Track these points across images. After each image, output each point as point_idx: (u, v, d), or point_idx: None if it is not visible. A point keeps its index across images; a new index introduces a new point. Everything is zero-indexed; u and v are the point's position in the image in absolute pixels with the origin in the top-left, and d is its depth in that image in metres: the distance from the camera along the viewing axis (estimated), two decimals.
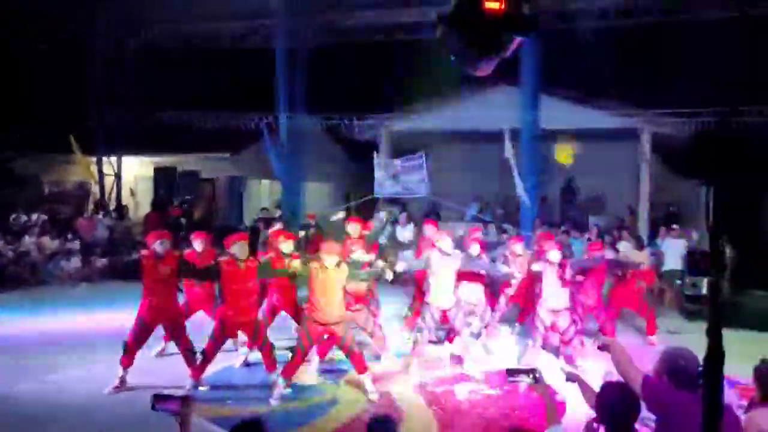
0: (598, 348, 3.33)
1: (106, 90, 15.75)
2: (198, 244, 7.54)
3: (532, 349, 7.35)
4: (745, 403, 4.04)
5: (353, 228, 8.06)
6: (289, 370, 6.19)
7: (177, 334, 6.54)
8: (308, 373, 6.76)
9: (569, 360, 7.01)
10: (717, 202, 2.05)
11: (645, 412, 3.03)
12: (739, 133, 12.95)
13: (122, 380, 6.28)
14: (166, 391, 3.03)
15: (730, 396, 4.47)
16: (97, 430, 5.46)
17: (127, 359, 6.32)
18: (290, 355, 6.30)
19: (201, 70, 15.92)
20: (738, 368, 4.11)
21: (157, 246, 6.37)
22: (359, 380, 6.37)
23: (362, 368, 6.27)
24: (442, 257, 7.10)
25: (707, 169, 2.07)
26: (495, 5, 1.87)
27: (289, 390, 6.20)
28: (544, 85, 12.02)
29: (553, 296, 7.22)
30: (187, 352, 6.47)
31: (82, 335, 8.42)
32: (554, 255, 7.25)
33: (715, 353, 1.99)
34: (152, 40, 15.27)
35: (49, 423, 5.55)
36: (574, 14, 12.03)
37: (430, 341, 7.35)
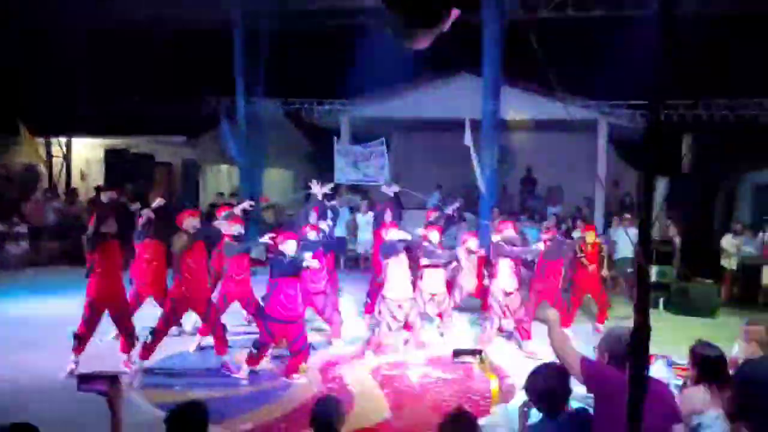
0: (538, 319, 3.36)
1: (57, 70, 15.16)
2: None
3: (490, 332, 7.48)
4: (681, 382, 4.19)
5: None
6: (254, 362, 6.31)
7: (120, 315, 6.42)
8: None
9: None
10: (648, 193, 2.07)
11: (584, 391, 3.08)
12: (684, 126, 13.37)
13: (77, 364, 6.14)
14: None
15: (668, 376, 4.64)
16: (44, 417, 5.24)
17: (81, 348, 6.18)
18: (254, 349, 6.29)
19: (158, 51, 15.45)
20: (679, 350, 4.27)
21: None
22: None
23: (290, 372, 6.25)
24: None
25: (652, 162, 2.10)
26: None
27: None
28: (505, 75, 12.07)
29: (506, 278, 7.45)
30: (128, 336, 6.37)
31: (29, 321, 8.14)
32: (508, 232, 7.60)
33: (642, 328, 2.03)
34: (110, 21, 14.74)
35: None
36: (536, 4, 12.14)
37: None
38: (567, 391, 2.93)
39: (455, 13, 1.92)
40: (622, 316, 9.14)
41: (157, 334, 6.19)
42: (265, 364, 6.64)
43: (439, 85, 13.94)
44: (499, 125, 11.98)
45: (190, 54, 15.03)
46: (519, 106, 12.86)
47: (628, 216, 11.25)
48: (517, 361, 6.89)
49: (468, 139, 11.07)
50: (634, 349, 2.03)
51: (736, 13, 11.82)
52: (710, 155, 14.09)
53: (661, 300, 10.24)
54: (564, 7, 12.23)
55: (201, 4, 13.48)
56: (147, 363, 6.24)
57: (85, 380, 2.66)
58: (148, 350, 6.18)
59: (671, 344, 5.27)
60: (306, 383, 6.20)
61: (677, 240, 11.50)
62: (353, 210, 13.67)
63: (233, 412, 5.47)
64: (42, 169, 15.91)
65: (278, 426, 5.30)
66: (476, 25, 11.32)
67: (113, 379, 2.66)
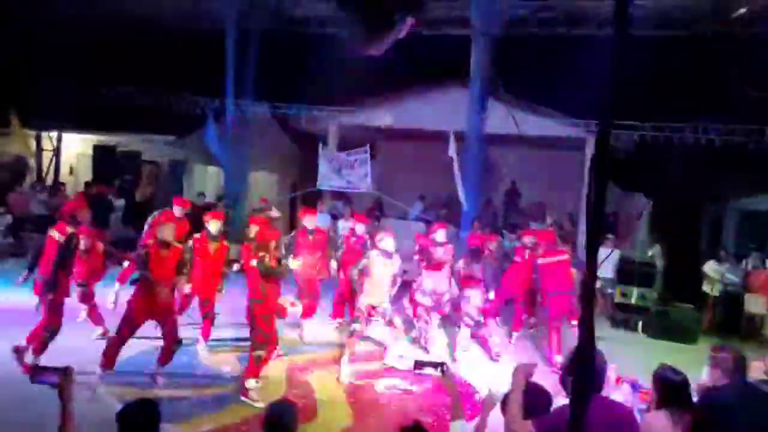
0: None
1: (51, 65, 15.06)
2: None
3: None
4: (644, 406, 4.15)
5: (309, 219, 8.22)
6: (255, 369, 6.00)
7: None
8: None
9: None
10: (598, 211, 2.02)
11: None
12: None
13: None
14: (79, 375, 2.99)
15: (633, 400, 4.59)
16: (14, 404, 5.19)
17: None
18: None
19: (150, 49, 15.37)
20: (650, 375, 4.21)
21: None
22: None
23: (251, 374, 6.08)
24: (383, 258, 6.84)
25: (601, 176, 2.07)
26: None
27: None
28: (493, 89, 12.08)
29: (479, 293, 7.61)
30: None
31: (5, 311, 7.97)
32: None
33: (587, 344, 1.99)
34: (102, 17, 14.68)
35: None
36: (524, 21, 12.17)
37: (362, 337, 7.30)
38: (549, 406, 2.90)
39: (410, 21, 1.90)
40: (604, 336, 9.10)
41: (118, 341, 5.95)
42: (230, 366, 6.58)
43: (426, 95, 13.93)
44: (485, 138, 11.97)
45: (182, 54, 14.95)
46: (505, 121, 12.83)
47: (609, 236, 11.21)
48: (487, 376, 6.81)
49: (452, 151, 11.08)
50: (578, 364, 1.99)
51: (726, 34, 11.87)
52: (696, 179, 14.11)
53: (640, 323, 10.21)
54: (554, 25, 12.28)
55: (194, 6, 13.44)
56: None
57: (39, 372, 2.85)
58: (108, 357, 5.94)
59: (643, 369, 5.21)
60: (271, 388, 6.10)
61: (659, 262, 11.46)
62: (336, 217, 13.58)
63: (196, 412, 5.44)
64: (31, 161, 15.83)
65: (239, 428, 5.24)
66: (465, 39, 11.37)
67: (65, 371, 2.81)
